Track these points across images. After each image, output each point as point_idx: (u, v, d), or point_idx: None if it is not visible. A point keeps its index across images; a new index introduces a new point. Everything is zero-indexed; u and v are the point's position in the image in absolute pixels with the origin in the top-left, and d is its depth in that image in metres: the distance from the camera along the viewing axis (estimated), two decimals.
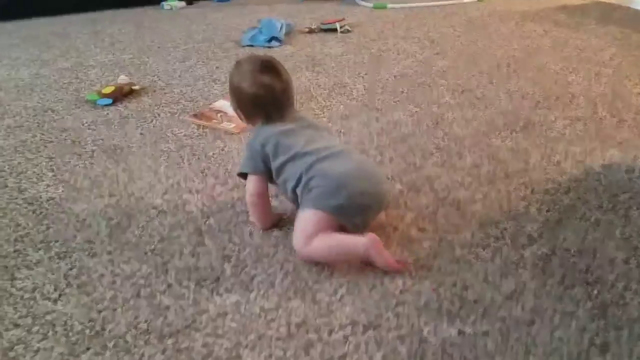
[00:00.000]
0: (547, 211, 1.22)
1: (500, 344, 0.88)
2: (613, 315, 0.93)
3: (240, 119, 1.24)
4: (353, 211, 1.07)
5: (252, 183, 1.16)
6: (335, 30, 2.65)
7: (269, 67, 1.16)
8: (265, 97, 1.14)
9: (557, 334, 0.90)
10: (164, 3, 3.25)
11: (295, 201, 1.14)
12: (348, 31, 2.66)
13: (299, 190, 1.10)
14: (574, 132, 1.59)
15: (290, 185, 1.11)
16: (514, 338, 0.89)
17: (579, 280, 1.01)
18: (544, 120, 1.68)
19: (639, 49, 2.31)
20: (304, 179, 1.08)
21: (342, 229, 1.07)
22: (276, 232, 1.18)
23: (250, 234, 1.18)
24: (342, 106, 1.82)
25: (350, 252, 1.06)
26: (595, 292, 0.99)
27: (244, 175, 1.19)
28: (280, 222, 1.20)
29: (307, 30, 2.67)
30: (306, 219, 1.07)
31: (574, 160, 1.44)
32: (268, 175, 1.15)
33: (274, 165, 1.13)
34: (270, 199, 1.20)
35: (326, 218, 1.06)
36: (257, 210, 1.18)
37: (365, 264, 1.06)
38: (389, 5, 3.12)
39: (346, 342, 0.90)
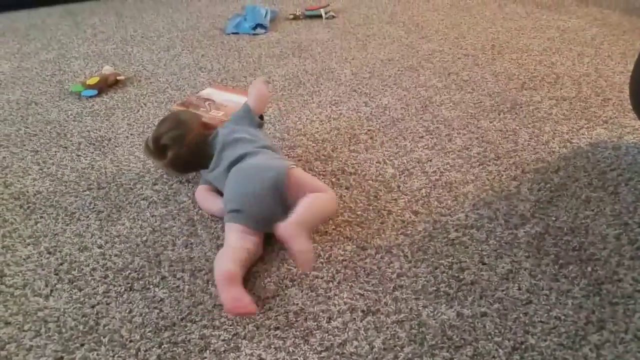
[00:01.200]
0: (539, 190, 1.23)
1: (498, 325, 0.89)
2: (608, 292, 0.95)
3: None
4: (240, 210, 1.06)
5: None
6: (319, 16, 2.62)
7: (153, 151, 1.19)
8: (177, 166, 1.21)
9: (554, 312, 0.91)
10: None
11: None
12: (333, 17, 2.64)
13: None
14: (561, 111, 1.61)
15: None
16: (512, 318, 0.90)
17: (573, 258, 1.03)
18: (531, 100, 1.68)
19: (619, 28, 2.33)
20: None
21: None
22: None
23: None
24: (330, 91, 1.80)
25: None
26: (589, 269, 1.00)
27: None
28: None
29: (291, 16, 2.64)
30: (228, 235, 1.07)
31: (561, 139, 1.45)
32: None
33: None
34: None
35: (235, 226, 1.06)
36: (204, 206, 1.25)
37: (361, 248, 1.06)
38: None
39: (345, 328, 0.90)
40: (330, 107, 1.70)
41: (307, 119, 1.63)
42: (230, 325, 0.92)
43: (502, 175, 1.30)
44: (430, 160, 1.37)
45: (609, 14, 2.52)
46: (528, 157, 1.37)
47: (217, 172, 1.17)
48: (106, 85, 1.86)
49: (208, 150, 1.21)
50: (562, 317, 0.90)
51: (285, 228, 0.94)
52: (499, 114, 1.60)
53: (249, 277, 1.02)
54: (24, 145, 1.53)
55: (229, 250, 1.01)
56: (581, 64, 1.95)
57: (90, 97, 1.81)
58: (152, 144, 1.19)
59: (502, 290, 0.96)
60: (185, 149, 1.18)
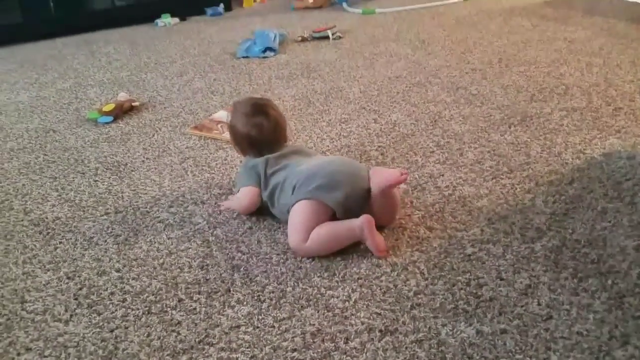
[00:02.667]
0: (554, 203, 1.22)
1: (519, 342, 0.88)
2: (630, 305, 0.93)
3: (238, 152, 1.38)
4: (331, 187, 1.10)
5: (245, 194, 1.24)
6: (327, 37, 2.66)
7: (259, 110, 1.28)
8: (256, 136, 1.26)
9: (576, 328, 0.89)
10: (157, 20, 3.25)
11: (284, 213, 1.18)
12: (340, 37, 2.67)
13: (283, 199, 1.18)
14: (572, 122, 1.60)
15: (275, 195, 1.20)
16: (533, 335, 0.89)
17: (592, 271, 1.01)
18: (541, 112, 1.68)
19: (626, 37, 2.32)
20: (287, 186, 1.16)
21: (332, 219, 1.11)
22: (284, 239, 1.17)
23: (258, 242, 1.17)
24: (339, 110, 1.82)
25: (347, 236, 1.09)
26: (610, 282, 0.98)
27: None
28: (286, 227, 1.20)
29: (300, 39, 2.68)
30: (293, 215, 1.12)
31: (574, 150, 1.44)
32: (261, 187, 1.24)
33: (265, 180, 1.22)
34: None
35: (310, 206, 1.10)
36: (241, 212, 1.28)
37: (376, 266, 1.06)
38: (377, 10, 3.13)
39: (364, 349, 0.89)
40: (340, 125, 1.71)
41: (317, 137, 1.64)
42: (248, 348, 0.92)
43: (516, 189, 1.29)
44: (443, 175, 1.37)
45: (615, 24, 2.53)
46: (541, 169, 1.37)
47: (286, 163, 1.22)
48: (122, 112, 1.90)
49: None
50: (584, 333, 0.88)
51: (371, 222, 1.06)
52: (510, 127, 1.60)
53: (265, 297, 1.02)
54: (43, 172, 1.56)
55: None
56: (590, 74, 1.95)
57: (107, 123, 1.85)
58: (250, 109, 1.28)
59: (522, 306, 0.95)
60: (281, 116, 1.31)
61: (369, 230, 1.06)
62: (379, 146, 1.55)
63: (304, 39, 2.68)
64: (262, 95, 1.95)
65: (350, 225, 1.08)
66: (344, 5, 3.30)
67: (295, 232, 1.10)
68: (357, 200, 1.11)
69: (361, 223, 1.06)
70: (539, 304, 0.95)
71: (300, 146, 1.37)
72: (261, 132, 1.26)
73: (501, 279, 1.01)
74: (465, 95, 1.86)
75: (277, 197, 1.19)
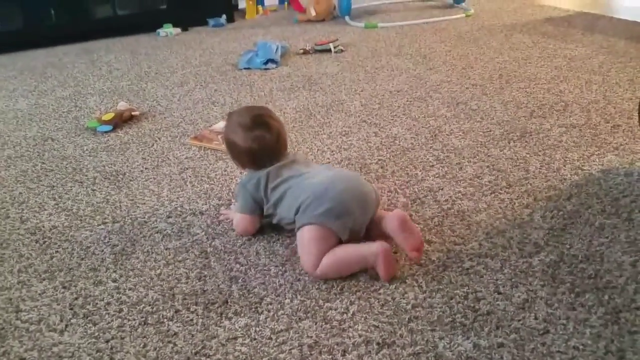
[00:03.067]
0: (552, 218, 1.23)
1: (516, 356, 0.87)
2: (626, 321, 0.93)
3: (237, 165, 1.33)
4: (340, 214, 1.08)
5: (241, 222, 1.23)
6: (329, 50, 2.68)
7: (259, 121, 1.21)
8: (258, 151, 1.20)
9: (573, 342, 0.89)
10: (159, 30, 3.28)
11: (289, 224, 1.17)
12: (342, 51, 2.69)
13: (285, 214, 1.16)
14: (571, 139, 1.61)
15: (281, 210, 1.17)
16: (530, 349, 0.89)
17: (589, 287, 1.01)
18: (540, 128, 1.69)
19: (625, 56, 2.35)
20: (287, 197, 1.15)
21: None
22: (282, 251, 1.17)
23: (257, 253, 1.17)
24: (340, 122, 1.83)
25: (360, 264, 1.07)
26: (607, 297, 0.98)
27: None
28: (286, 239, 1.20)
29: (301, 51, 2.70)
30: (304, 238, 1.10)
31: (572, 166, 1.45)
32: (260, 212, 1.22)
33: (266, 195, 1.19)
34: None
35: (318, 232, 1.08)
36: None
37: (374, 279, 1.05)
38: (380, 25, 3.16)
39: None
40: (340, 137, 1.72)
41: (318, 149, 1.65)
42: (245, 359, 0.91)
43: (514, 203, 1.30)
44: (442, 189, 1.38)
45: (615, 42, 2.55)
46: (540, 184, 1.37)
47: (289, 174, 1.19)
48: (121, 121, 1.91)
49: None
50: (581, 347, 0.88)
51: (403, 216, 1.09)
52: (509, 142, 1.61)
53: (262, 309, 1.01)
54: (41, 181, 1.56)
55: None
56: (589, 91, 1.97)
57: (106, 132, 1.86)
58: (250, 121, 1.20)
59: (519, 320, 0.94)
60: (281, 126, 1.25)
61: (386, 261, 1.04)
62: (379, 159, 1.56)
63: (306, 52, 2.70)
64: (266, 104, 1.96)
65: (363, 254, 1.06)
66: (347, 19, 3.33)
67: (306, 258, 1.08)
68: (364, 224, 1.13)
69: (377, 253, 1.04)
70: (536, 318, 0.94)
71: (299, 154, 1.33)
72: (263, 146, 1.19)
73: (499, 293, 1.01)
74: (466, 110, 1.87)
75: (279, 209, 1.18)
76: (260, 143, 1.19)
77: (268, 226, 1.26)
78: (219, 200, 1.40)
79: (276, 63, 2.51)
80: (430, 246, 1.16)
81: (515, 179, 1.41)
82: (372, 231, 1.14)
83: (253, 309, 1.01)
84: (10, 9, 3.02)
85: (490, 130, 1.70)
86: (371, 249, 1.05)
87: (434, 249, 1.15)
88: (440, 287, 1.04)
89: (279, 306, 1.02)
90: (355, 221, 1.10)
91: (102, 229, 1.31)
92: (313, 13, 3.39)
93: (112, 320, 1.01)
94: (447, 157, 1.54)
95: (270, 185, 1.18)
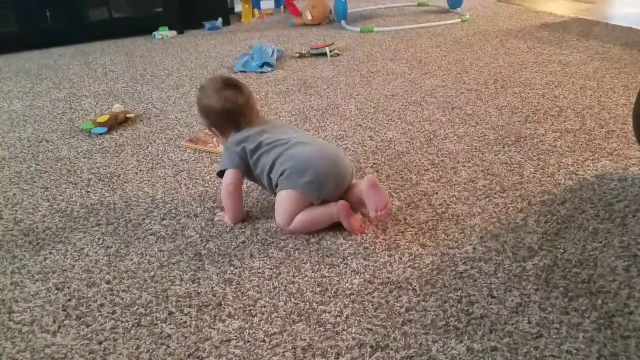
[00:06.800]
0: (545, 222, 1.23)
1: None
2: (619, 325, 0.93)
3: (216, 135, 1.38)
4: (319, 186, 1.22)
5: (229, 175, 1.28)
6: (324, 54, 2.69)
7: (230, 83, 1.32)
8: (231, 109, 1.28)
9: (566, 346, 0.89)
10: (155, 33, 3.28)
11: (271, 187, 1.28)
12: (337, 55, 2.70)
13: (273, 175, 1.25)
14: (565, 144, 1.62)
15: (265, 171, 1.26)
16: (523, 352, 0.89)
17: (583, 291, 1.02)
18: (535, 133, 1.70)
19: (620, 62, 2.36)
20: (277, 165, 1.24)
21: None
22: (276, 254, 1.17)
23: (251, 256, 1.17)
24: (336, 126, 1.83)
25: (326, 220, 1.23)
26: (600, 302, 0.99)
27: (222, 174, 1.30)
28: (280, 242, 1.20)
29: (297, 55, 2.71)
30: (283, 198, 1.23)
31: (567, 171, 1.46)
32: (244, 169, 1.29)
33: (251, 158, 1.27)
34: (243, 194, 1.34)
35: (296, 197, 1.22)
36: (231, 200, 1.28)
37: (368, 282, 1.05)
38: (376, 29, 3.18)
39: None
40: (336, 141, 1.72)
41: None
42: None
43: (508, 208, 1.30)
44: (436, 193, 1.38)
45: (610, 48, 2.57)
46: (534, 189, 1.38)
47: (269, 135, 1.28)
48: (116, 123, 1.91)
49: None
50: (574, 351, 0.88)
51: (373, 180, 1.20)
52: (504, 147, 1.62)
53: (256, 311, 1.01)
54: (34, 182, 1.56)
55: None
56: (584, 96, 1.98)
57: (100, 134, 1.85)
58: (221, 83, 1.30)
59: (512, 324, 0.95)
60: (252, 94, 1.34)
61: (345, 215, 1.21)
62: (374, 163, 1.56)
63: (301, 55, 2.71)
64: (259, 109, 1.97)
65: (328, 212, 1.22)
66: (343, 23, 3.35)
67: (282, 216, 1.23)
68: (336, 195, 1.26)
69: (338, 209, 1.21)
70: (529, 322, 0.95)
71: (276, 121, 1.43)
72: (236, 106, 1.28)
73: (492, 297, 1.01)
74: (461, 115, 1.88)
75: (267, 173, 1.26)
76: (233, 102, 1.28)
77: (262, 229, 1.26)
78: (214, 202, 1.40)
79: (272, 66, 2.51)
80: (424, 250, 1.16)
81: (510, 183, 1.41)
82: (344, 199, 1.25)
83: (247, 312, 1.01)
84: (5, 11, 3.01)
85: (485, 135, 1.71)
86: (334, 206, 1.21)
87: (428, 253, 1.15)
88: (434, 290, 1.04)
89: (272, 309, 1.02)
90: (329, 193, 1.24)
91: (96, 230, 1.30)
92: (309, 17, 3.40)
93: (105, 322, 1.01)
94: (442, 162, 1.55)
95: (259, 151, 1.26)
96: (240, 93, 1.29)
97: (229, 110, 1.28)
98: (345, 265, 1.12)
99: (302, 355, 0.91)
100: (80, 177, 1.57)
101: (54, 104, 2.19)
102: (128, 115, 1.96)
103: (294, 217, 1.22)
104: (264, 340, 0.94)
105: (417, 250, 1.16)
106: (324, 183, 1.22)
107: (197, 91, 1.35)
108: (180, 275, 1.12)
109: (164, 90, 2.30)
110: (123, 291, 1.09)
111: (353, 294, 1.04)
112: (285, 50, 2.76)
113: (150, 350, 0.94)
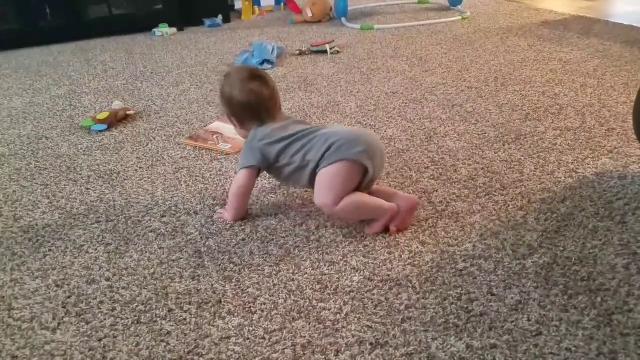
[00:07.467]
0: (545, 220, 1.23)
1: (508, 357, 0.88)
2: (618, 322, 0.93)
3: (235, 125, 1.34)
4: (371, 155, 1.17)
5: (243, 176, 1.26)
6: (324, 51, 2.68)
7: (256, 74, 1.28)
8: (255, 102, 1.25)
9: (565, 344, 0.90)
10: (155, 30, 3.27)
11: (299, 175, 1.22)
12: (337, 52, 2.70)
13: (311, 155, 1.19)
14: (565, 141, 1.62)
15: (299, 154, 1.20)
16: (522, 350, 0.89)
17: (582, 289, 1.02)
18: (535, 131, 1.70)
19: (620, 59, 2.36)
20: (317, 144, 1.18)
21: (357, 188, 1.19)
22: (276, 251, 1.17)
23: (251, 253, 1.17)
24: (336, 123, 1.83)
25: (374, 213, 1.18)
26: (599, 299, 0.99)
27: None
28: (280, 239, 1.20)
29: (297, 52, 2.71)
30: (332, 174, 1.16)
31: (567, 169, 1.46)
32: (265, 165, 1.25)
33: (277, 148, 1.22)
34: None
35: (350, 169, 1.16)
36: (238, 201, 1.26)
37: (368, 279, 1.05)
38: (376, 26, 3.17)
39: None
40: None
41: None
42: (237, 359, 0.91)
43: (508, 205, 1.30)
44: (436, 191, 1.38)
45: (610, 46, 2.57)
46: (534, 186, 1.38)
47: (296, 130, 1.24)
48: (116, 120, 1.90)
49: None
50: (573, 349, 0.89)
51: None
52: (504, 145, 1.62)
53: (256, 308, 1.01)
54: (34, 179, 1.56)
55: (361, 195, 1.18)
56: (584, 94, 1.98)
57: (100, 131, 1.85)
58: (248, 74, 1.27)
59: (511, 321, 0.95)
60: (277, 88, 1.31)
61: (390, 219, 1.18)
62: None
63: (301, 52, 2.70)
64: None
65: (380, 204, 1.17)
66: (343, 20, 3.34)
67: (329, 193, 1.15)
68: (377, 176, 1.24)
69: (390, 209, 1.17)
70: (528, 320, 0.95)
71: (297, 118, 1.40)
72: (260, 99, 1.25)
73: (492, 294, 1.01)
74: (461, 113, 1.87)
75: (302, 155, 1.20)
76: (257, 95, 1.25)
77: (262, 226, 1.26)
78: (213, 199, 1.40)
79: (272, 64, 2.51)
80: (424, 247, 1.16)
81: (510, 181, 1.41)
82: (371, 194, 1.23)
83: (246, 309, 1.01)
84: (5, 7, 3.00)
85: (485, 133, 1.70)
86: (388, 205, 1.18)
87: (427, 250, 1.15)
88: (434, 287, 1.04)
89: (272, 306, 1.02)
90: (375, 169, 1.19)
91: (95, 227, 1.30)
92: (309, 14, 3.39)
93: (105, 319, 1.01)
94: (442, 159, 1.55)
95: (279, 138, 1.23)
96: (266, 85, 1.26)
97: (252, 102, 1.25)
98: (344, 263, 1.12)
99: (301, 352, 0.91)
100: (80, 174, 1.57)
101: (54, 101, 2.18)
102: (128, 112, 1.96)
103: (342, 197, 1.14)
104: (263, 337, 0.94)
105: (417, 247, 1.16)
106: (374, 155, 1.18)
107: (221, 78, 1.32)
108: (180, 273, 1.12)
109: (163, 87, 2.30)
110: (122, 288, 1.09)
111: (352, 291, 1.04)
112: (285, 48, 2.76)
113: (150, 347, 0.94)
